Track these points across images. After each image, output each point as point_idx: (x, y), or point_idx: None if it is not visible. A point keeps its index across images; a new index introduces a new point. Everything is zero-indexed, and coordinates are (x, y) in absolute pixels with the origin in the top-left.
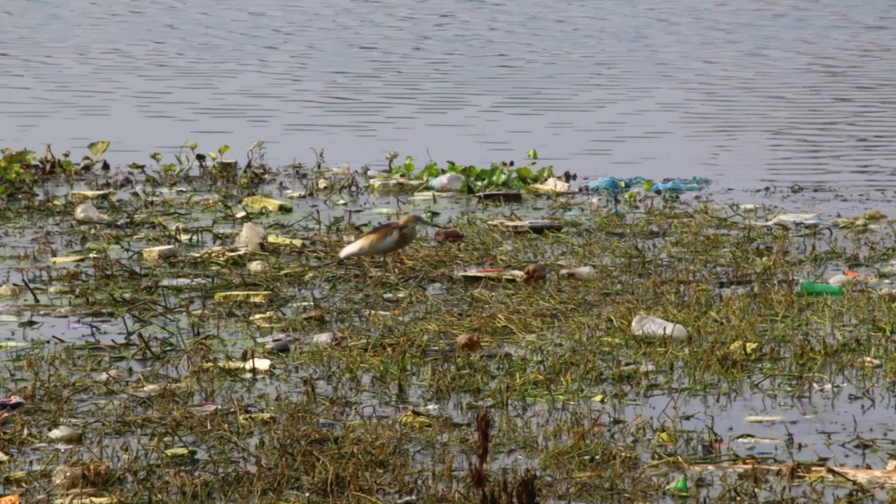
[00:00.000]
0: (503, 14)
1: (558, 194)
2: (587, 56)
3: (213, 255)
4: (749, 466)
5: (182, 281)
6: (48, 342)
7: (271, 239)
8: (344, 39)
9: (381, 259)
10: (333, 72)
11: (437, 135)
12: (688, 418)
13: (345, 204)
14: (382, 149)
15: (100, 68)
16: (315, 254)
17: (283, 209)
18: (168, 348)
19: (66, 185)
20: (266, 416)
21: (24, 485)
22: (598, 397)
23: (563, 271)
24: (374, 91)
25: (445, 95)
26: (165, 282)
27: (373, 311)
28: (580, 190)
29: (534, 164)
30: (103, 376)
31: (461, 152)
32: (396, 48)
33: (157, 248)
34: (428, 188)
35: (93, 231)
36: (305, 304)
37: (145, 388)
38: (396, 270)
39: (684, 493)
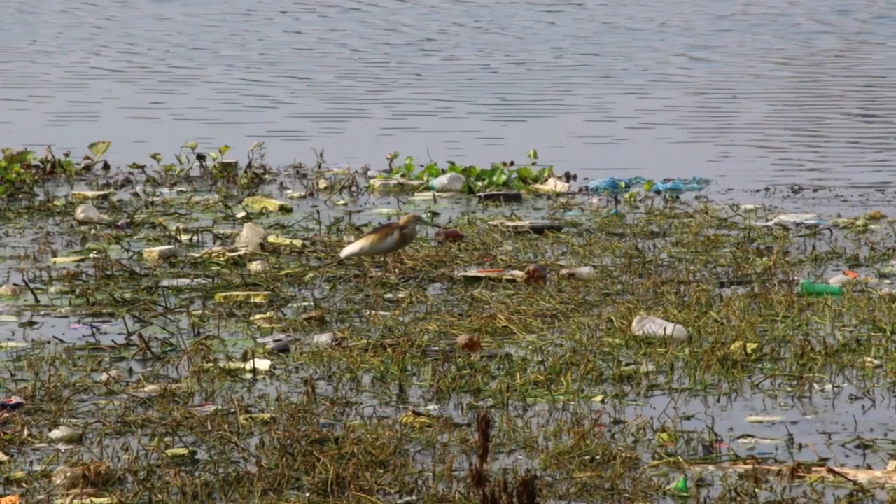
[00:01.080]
0: (497, 14)
1: (559, 194)
2: (584, 57)
3: (214, 255)
4: (749, 467)
5: (182, 281)
6: (48, 342)
7: (271, 239)
8: (341, 41)
9: (382, 259)
10: (331, 72)
11: (436, 135)
12: (688, 418)
13: (345, 204)
14: (383, 149)
15: (75, 73)
16: (315, 254)
17: (284, 209)
18: (168, 349)
19: (67, 185)
20: (266, 416)
21: (24, 485)
22: (599, 397)
23: (564, 271)
24: (375, 91)
25: (444, 96)
26: (166, 282)
27: (373, 312)
28: (580, 190)
29: (534, 164)
30: (104, 377)
31: (461, 152)
32: (394, 49)
33: (157, 249)
34: (428, 188)
35: (93, 231)
36: (306, 304)
37: (146, 389)
38: (397, 270)
39: (685, 494)
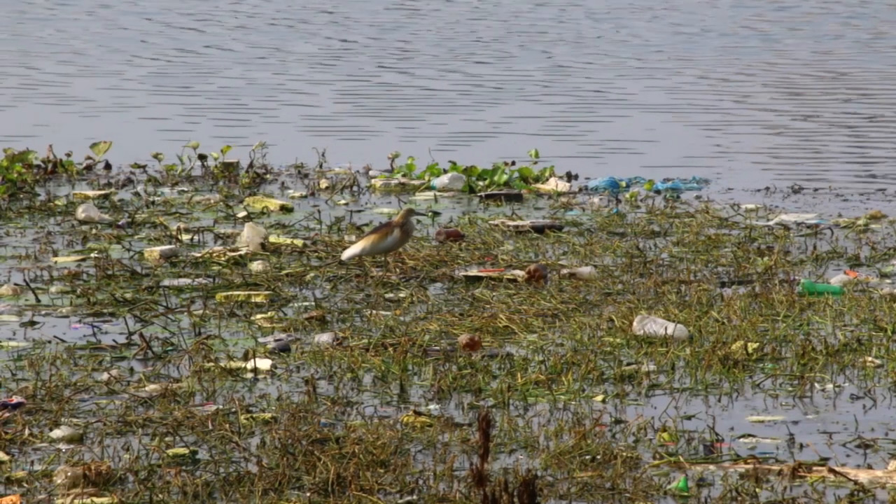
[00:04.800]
0: (493, 13)
1: (559, 194)
2: (584, 57)
3: (215, 254)
4: (750, 466)
5: (183, 281)
6: (49, 342)
7: (272, 239)
8: (341, 41)
9: (383, 259)
10: (331, 72)
11: (436, 134)
12: (689, 418)
13: (346, 204)
14: (384, 148)
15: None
16: (316, 254)
17: (285, 209)
18: (169, 348)
19: (68, 184)
20: (267, 415)
21: (25, 485)
22: (600, 397)
23: (565, 271)
24: (376, 90)
25: (446, 95)
26: (167, 282)
27: (374, 311)
28: (581, 190)
29: (535, 163)
30: (104, 376)
31: (461, 151)
32: (393, 50)
33: (158, 248)
34: (429, 188)
35: (94, 231)
36: (307, 303)
37: (147, 388)
38: (398, 270)
39: (685, 493)
